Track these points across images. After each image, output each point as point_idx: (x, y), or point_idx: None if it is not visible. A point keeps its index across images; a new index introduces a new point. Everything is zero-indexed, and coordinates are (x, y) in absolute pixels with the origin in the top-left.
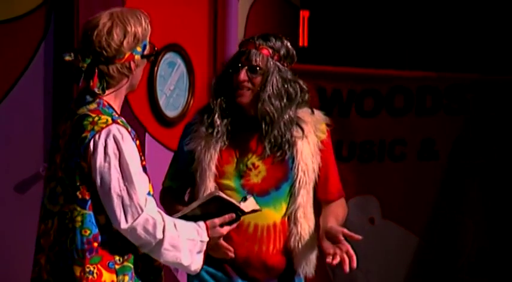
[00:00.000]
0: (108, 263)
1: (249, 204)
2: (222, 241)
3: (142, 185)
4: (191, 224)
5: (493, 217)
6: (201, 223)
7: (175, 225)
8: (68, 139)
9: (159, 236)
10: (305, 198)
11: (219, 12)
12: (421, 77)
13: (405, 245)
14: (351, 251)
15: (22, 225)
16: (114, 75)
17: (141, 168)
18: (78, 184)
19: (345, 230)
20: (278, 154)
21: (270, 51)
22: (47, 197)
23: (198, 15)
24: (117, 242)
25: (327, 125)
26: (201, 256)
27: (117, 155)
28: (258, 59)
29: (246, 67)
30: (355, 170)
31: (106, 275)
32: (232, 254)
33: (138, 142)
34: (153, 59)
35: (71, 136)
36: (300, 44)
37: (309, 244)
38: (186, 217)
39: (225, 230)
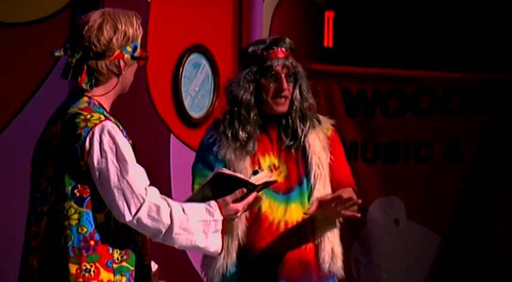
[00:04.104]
0: (107, 262)
1: (261, 177)
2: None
3: (140, 175)
4: (201, 205)
5: None
6: (212, 202)
7: (183, 209)
8: (59, 138)
9: (167, 221)
10: (321, 191)
11: (244, 13)
12: (447, 78)
13: (430, 246)
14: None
15: None
16: (102, 72)
17: (135, 160)
18: (75, 182)
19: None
20: (293, 148)
21: (292, 53)
22: (39, 200)
23: (222, 16)
24: (116, 240)
25: (331, 125)
26: (219, 236)
27: (114, 149)
28: (293, 66)
29: (283, 75)
30: (380, 171)
31: (103, 274)
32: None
33: (131, 141)
34: (143, 63)
35: (63, 135)
36: (325, 44)
37: (332, 239)
38: (197, 200)
39: (240, 205)
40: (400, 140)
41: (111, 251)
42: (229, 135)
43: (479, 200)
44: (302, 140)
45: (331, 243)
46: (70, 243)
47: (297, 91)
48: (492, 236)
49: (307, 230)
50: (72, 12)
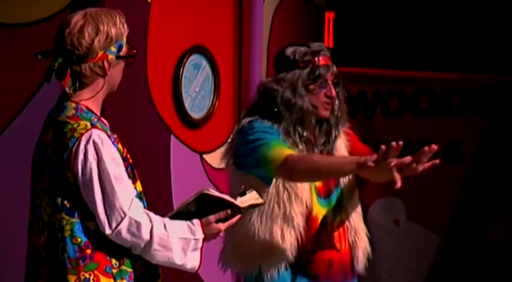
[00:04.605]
0: (106, 268)
1: (248, 199)
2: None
3: (124, 189)
4: (183, 222)
5: None
6: (195, 221)
7: (165, 226)
8: (52, 148)
9: (146, 236)
10: (353, 191)
11: (244, 14)
12: (447, 78)
13: (430, 246)
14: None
15: None
16: (86, 74)
17: (123, 172)
18: (64, 193)
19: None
20: (325, 151)
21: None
22: (40, 208)
23: (223, 16)
24: (109, 246)
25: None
26: (197, 254)
27: (97, 161)
28: (337, 73)
29: (331, 82)
30: None
31: (104, 280)
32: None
33: (120, 145)
34: (131, 61)
35: (54, 145)
36: (325, 45)
37: (364, 237)
38: (181, 215)
39: (223, 225)
40: (399, 140)
41: (108, 257)
42: (296, 136)
43: (479, 200)
44: (333, 142)
45: (364, 242)
46: (66, 254)
47: (336, 98)
48: (492, 236)
49: (345, 231)
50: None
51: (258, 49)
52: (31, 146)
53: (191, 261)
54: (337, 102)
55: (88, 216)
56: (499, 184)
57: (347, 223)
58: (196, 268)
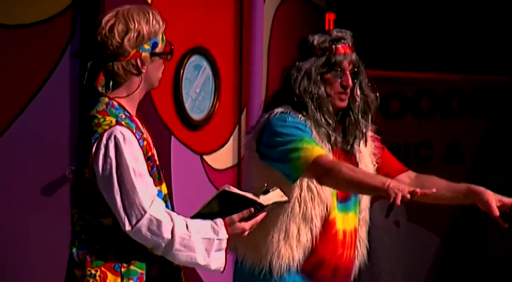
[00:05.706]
0: (114, 266)
1: (271, 197)
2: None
3: (145, 186)
4: (207, 222)
5: None
6: (219, 220)
7: (187, 226)
8: (77, 142)
9: (167, 236)
10: (367, 201)
11: (245, 15)
12: (447, 80)
13: (430, 247)
14: None
15: (48, 228)
16: (119, 73)
17: (144, 170)
18: (81, 187)
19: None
20: (349, 151)
21: (354, 48)
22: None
23: (223, 17)
24: (125, 244)
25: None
26: (222, 254)
27: (118, 157)
28: (358, 62)
29: (348, 72)
30: None
31: (110, 278)
32: None
33: (146, 143)
34: (168, 57)
35: (79, 139)
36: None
37: (364, 249)
38: (203, 215)
39: (248, 224)
40: (400, 142)
41: (119, 255)
42: (323, 123)
43: None
44: (363, 137)
45: (364, 252)
46: (75, 248)
47: (357, 87)
48: (492, 237)
49: (356, 239)
50: (73, 14)
51: (259, 50)
52: (32, 146)
53: (215, 262)
54: (358, 91)
55: (104, 212)
56: (499, 185)
57: (356, 231)
58: (222, 269)
